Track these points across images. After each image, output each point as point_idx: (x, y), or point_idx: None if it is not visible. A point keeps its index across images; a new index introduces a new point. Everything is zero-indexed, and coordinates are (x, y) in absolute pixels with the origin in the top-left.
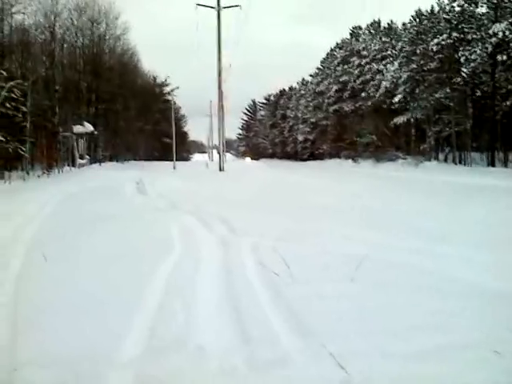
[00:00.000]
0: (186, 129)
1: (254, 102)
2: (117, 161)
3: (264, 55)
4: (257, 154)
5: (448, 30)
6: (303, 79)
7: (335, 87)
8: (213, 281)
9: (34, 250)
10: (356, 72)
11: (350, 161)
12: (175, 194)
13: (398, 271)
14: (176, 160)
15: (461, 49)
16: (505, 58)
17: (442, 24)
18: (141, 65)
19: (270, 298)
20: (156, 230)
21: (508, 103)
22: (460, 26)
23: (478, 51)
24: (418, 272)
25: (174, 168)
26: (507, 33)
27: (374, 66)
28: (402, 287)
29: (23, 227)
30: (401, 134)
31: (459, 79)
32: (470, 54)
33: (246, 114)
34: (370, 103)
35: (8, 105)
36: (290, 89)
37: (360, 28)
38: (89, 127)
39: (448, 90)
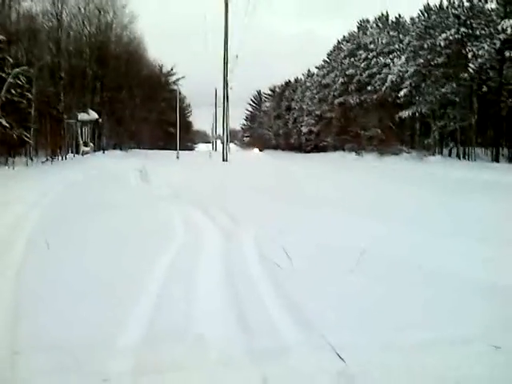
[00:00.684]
0: (190, 119)
1: (259, 92)
2: (121, 149)
3: (272, 45)
4: (260, 144)
5: (456, 25)
6: (309, 71)
7: (341, 80)
8: (213, 272)
9: (36, 236)
10: (362, 65)
11: (353, 154)
12: (178, 184)
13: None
14: (180, 150)
15: (468, 44)
16: None
17: (450, 19)
18: (147, 54)
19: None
20: (158, 216)
21: None
22: (468, 22)
23: (486, 47)
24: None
25: (178, 158)
26: None
27: (381, 59)
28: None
29: (25, 214)
30: (406, 128)
31: (466, 75)
32: (478, 50)
33: (250, 104)
34: (375, 97)
35: (13, 91)
36: (296, 80)
37: (368, 21)
38: (93, 115)
39: (454, 85)
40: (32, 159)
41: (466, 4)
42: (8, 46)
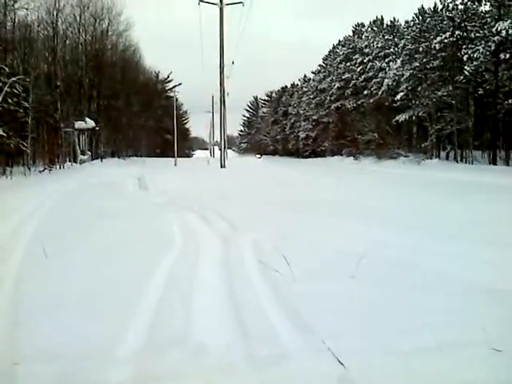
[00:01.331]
0: (187, 125)
1: (255, 98)
2: (118, 157)
3: (267, 52)
4: (258, 150)
5: (451, 28)
6: (305, 76)
7: (337, 84)
8: (213, 278)
9: (33, 245)
10: (358, 69)
11: (351, 158)
12: (176, 191)
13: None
14: (177, 157)
15: (464, 47)
16: (508, 56)
17: (445, 22)
18: (143, 61)
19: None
20: (157, 225)
21: (510, 101)
22: (463, 24)
23: (481, 49)
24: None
25: (176, 165)
26: (511, 31)
27: (377, 63)
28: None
29: (23, 224)
30: (403, 131)
31: (461, 77)
32: (473, 53)
33: (247, 110)
34: (372, 101)
35: (10, 100)
36: (292, 86)
37: (363, 25)
38: (90, 123)
39: (450, 88)
40: (30, 168)
41: (461, 7)
42: (4, 55)
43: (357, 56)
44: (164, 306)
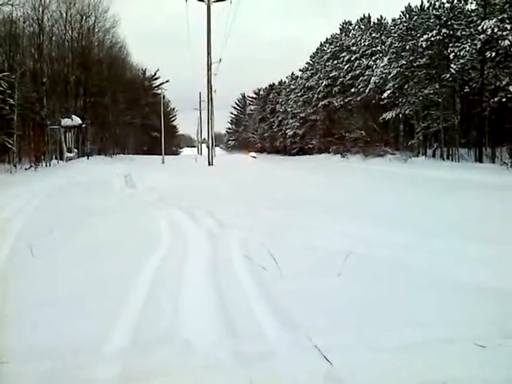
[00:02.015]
0: (175, 123)
1: (243, 96)
2: (105, 155)
3: (255, 49)
4: (251, 148)
5: (437, 27)
6: (293, 74)
7: (325, 82)
8: (200, 275)
9: (20, 244)
10: (346, 67)
11: (338, 156)
12: (164, 189)
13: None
14: (165, 154)
15: (450, 45)
16: (493, 54)
17: (431, 20)
18: (130, 58)
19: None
20: (144, 223)
21: (496, 99)
22: (449, 23)
23: (467, 48)
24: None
25: (163, 162)
26: (496, 30)
27: (364, 61)
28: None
29: (9, 222)
30: (390, 129)
31: (448, 75)
32: (459, 51)
33: (235, 108)
34: (359, 98)
35: None
36: (280, 83)
37: (350, 23)
38: (77, 120)
39: (437, 86)
40: (15, 166)
41: (447, 5)
42: None
43: (344, 54)
44: (152, 303)
